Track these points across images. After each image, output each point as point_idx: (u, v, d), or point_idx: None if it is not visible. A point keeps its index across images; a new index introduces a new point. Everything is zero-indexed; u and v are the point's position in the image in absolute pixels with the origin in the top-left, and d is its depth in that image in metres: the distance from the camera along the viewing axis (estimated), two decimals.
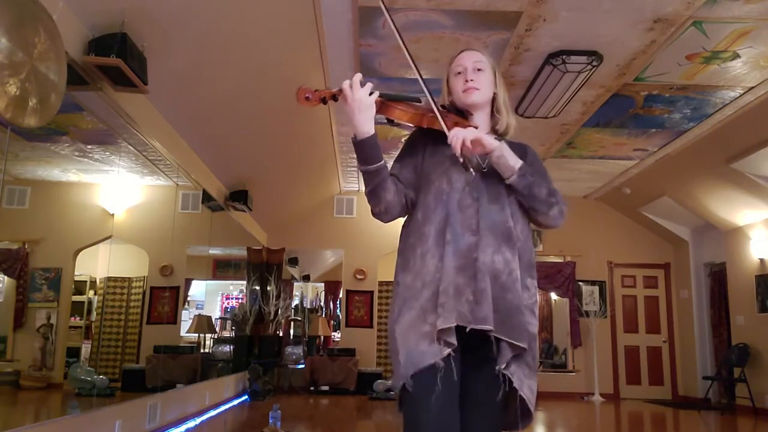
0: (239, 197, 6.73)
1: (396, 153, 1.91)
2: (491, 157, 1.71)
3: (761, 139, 6.04)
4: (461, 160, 1.68)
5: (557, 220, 1.77)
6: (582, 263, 9.53)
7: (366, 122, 1.67)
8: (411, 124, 1.77)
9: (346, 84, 1.66)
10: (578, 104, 5.81)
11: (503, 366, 1.60)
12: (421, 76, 1.78)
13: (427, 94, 1.75)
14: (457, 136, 1.66)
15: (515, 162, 1.71)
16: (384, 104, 1.72)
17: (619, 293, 9.71)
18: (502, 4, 4.12)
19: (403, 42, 1.80)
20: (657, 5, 4.09)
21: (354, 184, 9.23)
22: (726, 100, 5.63)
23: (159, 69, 3.73)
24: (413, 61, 1.80)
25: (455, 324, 1.59)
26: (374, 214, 1.79)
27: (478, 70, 1.80)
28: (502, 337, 1.60)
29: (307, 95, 1.67)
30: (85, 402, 4.09)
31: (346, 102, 1.66)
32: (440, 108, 1.81)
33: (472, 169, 1.70)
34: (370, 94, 1.66)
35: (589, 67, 4.88)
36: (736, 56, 4.78)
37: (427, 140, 1.80)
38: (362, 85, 1.66)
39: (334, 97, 1.69)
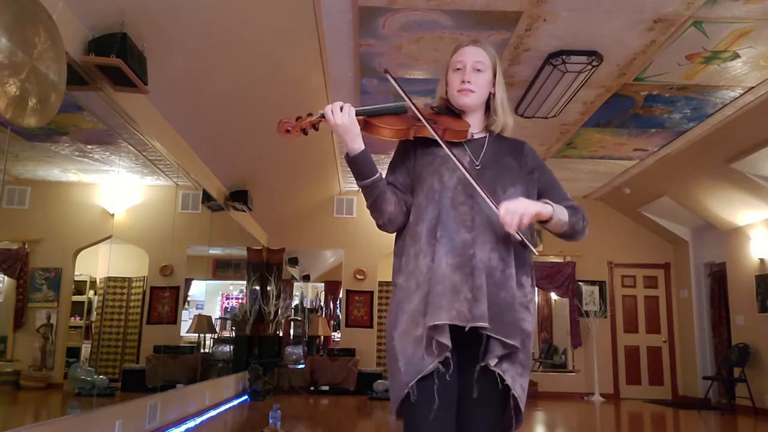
0: (239, 197, 6.73)
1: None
2: (548, 224, 1.71)
3: (761, 139, 6.04)
4: (519, 238, 1.65)
5: (584, 236, 1.83)
6: (582, 263, 9.53)
7: (353, 140, 1.68)
8: (397, 140, 1.77)
9: (328, 109, 1.67)
10: (578, 104, 5.81)
11: (493, 363, 1.60)
12: (406, 95, 1.76)
13: (415, 110, 1.73)
14: (512, 214, 1.61)
15: (564, 215, 1.73)
16: (367, 123, 1.71)
17: (619, 293, 9.71)
18: (502, 4, 4.12)
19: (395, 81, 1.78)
20: (657, 5, 4.09)
21: (354, 184, 9.21)
22: (726, 100, 5.63)
23: (159, 69, 3.73)
24: (399, 86, 1.78)
25: (448, 322, 1.58)
26: (379, 227, 1.80)
27: (477, 70, 1.79)
28: (494, 335, 1.59)
29: (287, 128, 1.68)
30: (85, 402, 4.09)
31: (330, 127, 1.68)
32: (431, 110, 1.81)
33: (533, 248, 1.69)
34: (350, 113, 1.67)
35: (589, 67, 4.88)
36: (736, 56, 4.78)
37: (416, 142, 1.80)
38: (341, 108, 1.66)
39: (315, 126, 1.70)
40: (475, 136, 1.82)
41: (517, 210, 1.61)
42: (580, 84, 5.18)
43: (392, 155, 1.89)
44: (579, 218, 1.77)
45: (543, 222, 1.70)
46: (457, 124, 1.78)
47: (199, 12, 3.79)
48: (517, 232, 1.63)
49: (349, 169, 1.77)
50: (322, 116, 1.68)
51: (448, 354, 1.59)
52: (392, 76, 1.78)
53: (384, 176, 1.77)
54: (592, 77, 5.11)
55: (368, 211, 1.78)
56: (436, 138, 1.71)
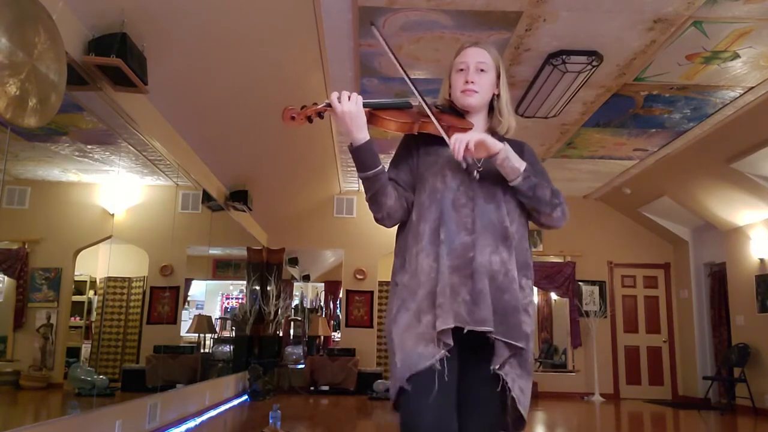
0: (239, 197, 6.73)
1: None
2: (496, 159, 1.67)
3: (761, 139, 6.04)
4: (464, 165, 1.66)
5: (560, 221, 1.76)
6: (582, 263, 9.53)
7: (359, 130, 1.67)
8: (401, 133, 1.77)
9: (333, 97, 1.66)
10: (578, 104, 5.81)
11: (498, 366, 1.60)
12: (412, 83, 1.76)
13: (421, 101, 1.73)
14: (460, 141, 1.63)
15: (520, 164, 1.69)
16: (373, 115, 1.71)
17: (619, 293, 9.71)
18: (502, 4, 4.12)
19: (392, 52, 1.77)
20: (657, 5, 4.09)
21: (354, 184, 9.24)
22: (726, 100, 5.63)
23: (159, 69, 3.73)
24: (402, 67, 1.78)
25: (452, 326, 1.59)
26: (377, 220, 1.79)
27: (481, 71, 1.78)
28: (501, 338, 1.60)
29: (292, 115, 1.66)
30: (85, 402, 4.09)
31: (335, 115, 1.66)
32: (435, 108, 1.80)
33: (477, 173, 1.67)
34: (357, 101, 1.66)
35: (589, 67, 4.88)
36: (736, 56, 4.78)
37: (419, 140, 1.80)
38: (349, 96, 1.65)
39: (320, 115, 1.68)
40: None
41: (464, 138, 1.63)
42: (580, 84, 5.18)
43: (395, 150, 1.88)
44: (545, 187, 1.72)
45: (491, 157, 1.67)
46: (461, 123, 1.78)
47: (199, 12, 3.79)
48: (464, 159, 1.65)
49: (351, 164, 1.76)
50: (329, 105, 1.67)
51: (446, 353, 1.59)
52: (379, 32, 1.76)
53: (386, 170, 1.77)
54: (592, 77, 5.11)
55: (368, 205, 1.77)
56: (440, 131, 1.70)
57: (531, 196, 1.71)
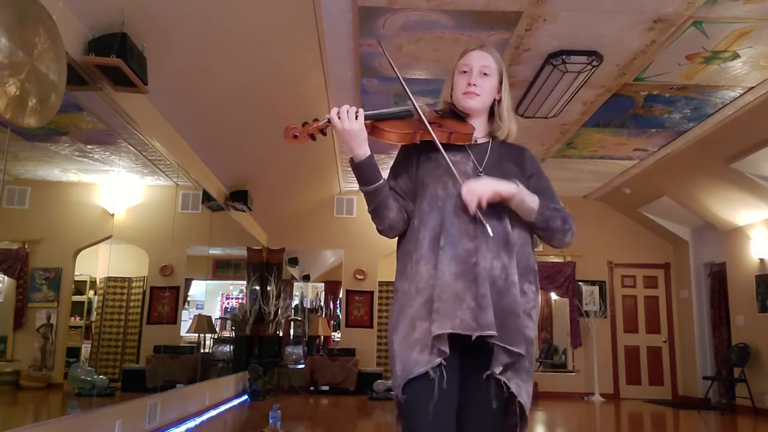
0: (239, 197, 6.73)
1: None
2: (510, 204, 1.68)
3: (761, 139, 6.04)
4: (479, 217, 1.64)
5: (569, 243, 1.80)
6: (582, 263, 9.53)
7: (360, 146, 1.68)
8: (403, 143, 1.77)
9: (333, 114, 1.66)
10: (578, 104, 5.81)
11: (498, 371, 1.60)
12: (411, 97, 1.75)
13: (420, 113, 1.72)
14: (472, 193, 1.62)
15: (533, 202, 1.70)
16: (374, 127, 1.71)
17: (619, 293, 9.71)
18: (502, 4, 4.12)
19: (393, 66, 1.77)
20: (657, 5, 4.09)
21: (354, 184, 9.21)
22: (726, 100, 5.63)
23: (159, 69, 3.73)
24: (403, 83, 1.78)
25: (450, 331, 1.58)
26: (379, 232, 1.80)
27: (484, 74, 1.79)
28: (499, 343, 1.59)
29: (294, 133, 1.66)
30: (85, 402, 4.09)
31: (336, 131, 1.67)
32: (435, 113, 1.80)
33: (489, 229, 1.64)
34: (358, 117, 1.66)
35: (589, 67, 4.88)
36: (736, 56, 4.78)
37: (420, 147, 1.80)
38: (348, 112, 1.65)
39: (323, 132, 1.69)
40: (479, 141, 1.82)
41: (476, 190, 1.63)
42: (580, 84, 5.18)
43: (395, 158, 1.88)
44: (557, 217, 1.74)
45: (506, 201, 1.67)
46: (463, 128, 1.78)
47: (199, 12, 3.80)
48: (477, 212, 1.64)
49: (351, 171, 1.76)
50: (329, 121, 1.67)
51: (446, 353, 1.59)
52: (384, 51, 1.76)
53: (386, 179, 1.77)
54: (592, 77, 5.11)
55: (370, 216, 1.78)
56: (436, 141, 1.70)
57: (544, 228, 1.74)
